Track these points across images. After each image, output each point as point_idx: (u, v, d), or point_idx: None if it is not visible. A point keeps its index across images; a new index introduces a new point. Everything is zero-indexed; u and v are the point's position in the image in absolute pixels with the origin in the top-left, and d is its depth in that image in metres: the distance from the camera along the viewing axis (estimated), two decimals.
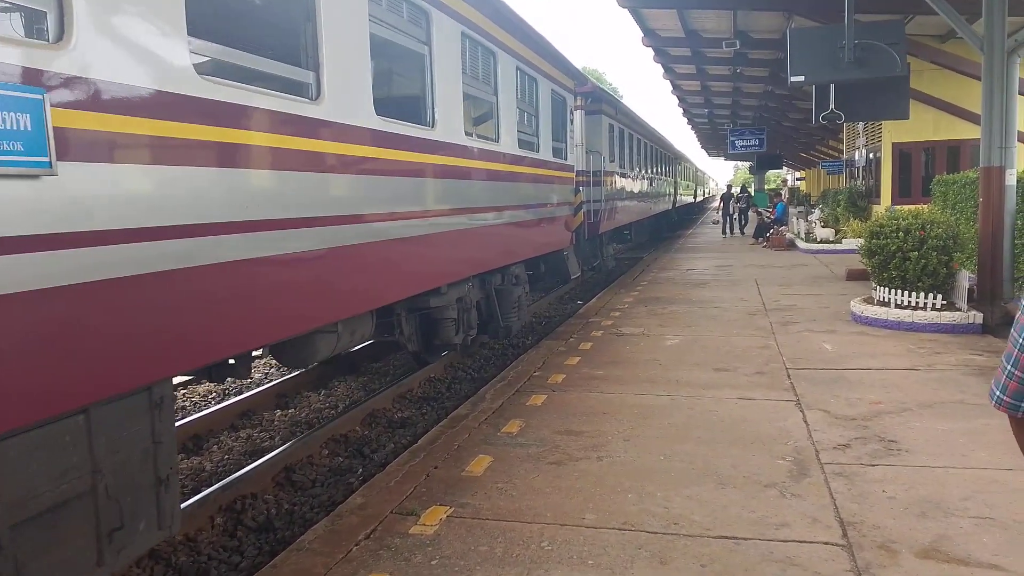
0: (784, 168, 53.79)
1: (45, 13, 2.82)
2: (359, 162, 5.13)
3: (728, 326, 9.44)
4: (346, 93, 4.91)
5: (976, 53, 9.15)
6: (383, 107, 5.46)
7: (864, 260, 9.91)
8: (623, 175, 17.16)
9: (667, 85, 24.66)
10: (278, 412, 7.11)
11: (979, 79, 9.06)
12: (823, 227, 20.81)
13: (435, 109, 6.37)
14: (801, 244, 20.30)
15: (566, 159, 11.27)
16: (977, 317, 8.47)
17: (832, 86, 10.94)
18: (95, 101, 2.98)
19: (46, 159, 2.68)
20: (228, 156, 3.80)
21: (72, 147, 2.84)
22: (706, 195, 68.45)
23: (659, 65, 20.56)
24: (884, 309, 9.10)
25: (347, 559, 3.71)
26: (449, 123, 6.66)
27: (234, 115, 3.84)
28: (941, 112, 16.30)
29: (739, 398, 6.26)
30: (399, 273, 5.82)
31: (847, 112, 11.44)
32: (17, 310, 2.61)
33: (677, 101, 29.34)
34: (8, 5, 2.89)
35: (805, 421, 5.58)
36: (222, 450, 6.12)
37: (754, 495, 4.29)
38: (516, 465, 4.86)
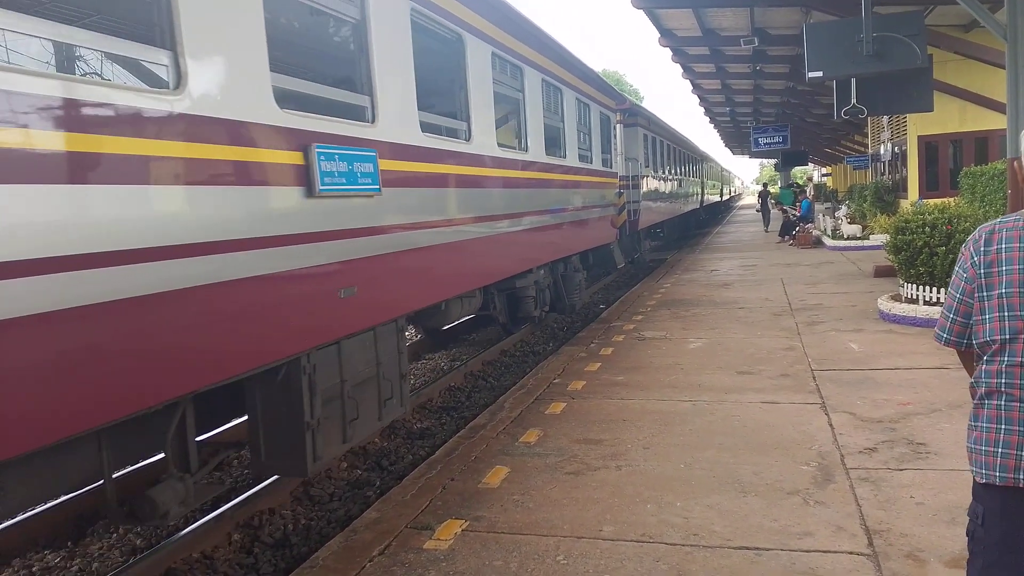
0: (809, 164, 53.19)
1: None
2: (483, 180, 7.08)
3: (752, 327, 9.29)
4: (484, 135, 7.07)
5: (1000, 41, 8.93)
6: (514, 144, 8.25)
7: (890, 256, 9.71)
8: (657, 178, 19.08)
9: (687, 85, 24.49)
10: None
11: (1004, 68, 8.84)
12: (850, 223, 20.49)
13: (528, 137, 8.52)
14: (828, 241, 20.01)
15: (612, 167, 13.23)
16: None
17: (853, 80, 10.77)
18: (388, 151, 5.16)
19: (378, 187, 4.88)
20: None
21: (387, 181, 5.03)
22: (732, 194, 68.51)
23: (678, 65, 20.40)
24: (912, 307, 8.90)
25: (360, 575, 3.67)
26: (536, 146, 8.70)
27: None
28: (967, 103, 15.99)
29: (762, 402, 6.14)
30: (497, 261, 7.67)
31: (869, 106, 11.26)
32: (362, 266, 4.73)
33: (698, 100, 29.12)
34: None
35: (830, 424, 5.45)
36: (242, 464, 6.11)
37: (776, 503, 4.18)
38: (533, 476, 4.79)
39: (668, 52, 18.47)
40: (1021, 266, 2.10)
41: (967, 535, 2.23)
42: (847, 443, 5.03)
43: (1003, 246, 2.17)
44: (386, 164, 5.04)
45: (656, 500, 4.31)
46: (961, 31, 14.69)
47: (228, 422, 5.54)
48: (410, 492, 4.66)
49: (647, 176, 17.16)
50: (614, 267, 14.18)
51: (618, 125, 14.48)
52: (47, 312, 2.68)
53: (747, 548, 3.69)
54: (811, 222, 23.07)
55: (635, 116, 16.15)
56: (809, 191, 31.11)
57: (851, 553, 3.58)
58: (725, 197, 55.50)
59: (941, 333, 2.32)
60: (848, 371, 6.91)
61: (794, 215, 23.77)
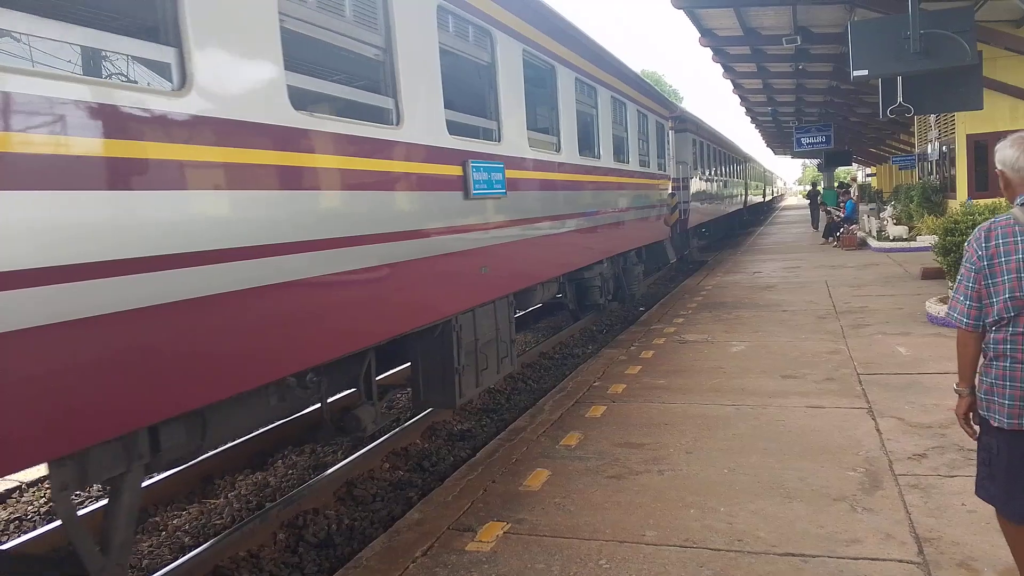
0: (853, 164, 52.26)
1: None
2: (567, 184, 8.24)
3: (796, 330, 9.16)
4: (569, 146, 8.27)
5: None
6: (589, 152, 9.22)
7: (938, 258, 9.49)
8: (704, 180, 20.13)
9: (728, 85, 24.22)
10: None
11: None
12: (895, 224, 20.08)
13: (600, 146, 9.63)
14: (873, 243, 19.63)
15: (665, 171, 14.46)
16: None
17: (899, 79, 10.56)
18: (509, 163, 6.51)
19: (504, 191, 6.22)
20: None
21: (509, 186, 6.37)
22: (774, 195, 67.77)
23: (719, 65, 20.20)
24: None
25: None
26: (606, 154, 9.81)
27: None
28: (1018, 100, 15.55)
29: (807, 406, 6.05)
30: (574, 253, 8.71)
31: (916, 105, 11.03)
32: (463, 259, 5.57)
33: (739, 100, 28.79)
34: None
35: (878, 430, 5.35)
36: (286, 465, 6.20)
37: (823, 509, 4.11)
38: (574, 479, 4.79)
39: (708, 52, 18.30)
40: (1017, 256, 2.73)
41: (983, 463, 3.00)
42: (895, 449, 4.93)
43: (1000, 241, 2.80)
44: (509, 173, 6.41)
45: (699, 505, 4.27)
46: (1012, 27, 14.30)
47: (388, 370, 7.08)
48: (452, 494, 4.69)
49: (695, 178, 18.19)
50: (666, 262, 15.27)
51: (670, 131, 15.47)
52: (310, 279, 3.91)
53: (793, 555, 3.64)
54: (855, 223, 22.65)
55: (685, 123, 17.29)
56: (853, 192, 30.52)
57: (901, 561, 3.51)
58: (768, 198, 55.68)
59: (961, 318, 2.90)
60: (895, 375, 6.77)
61: (838, 216, 23.37)
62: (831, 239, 22.17)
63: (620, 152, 10.83)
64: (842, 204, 24.19)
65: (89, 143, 2.77)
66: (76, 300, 2.65)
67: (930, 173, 22.47)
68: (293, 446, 6.60)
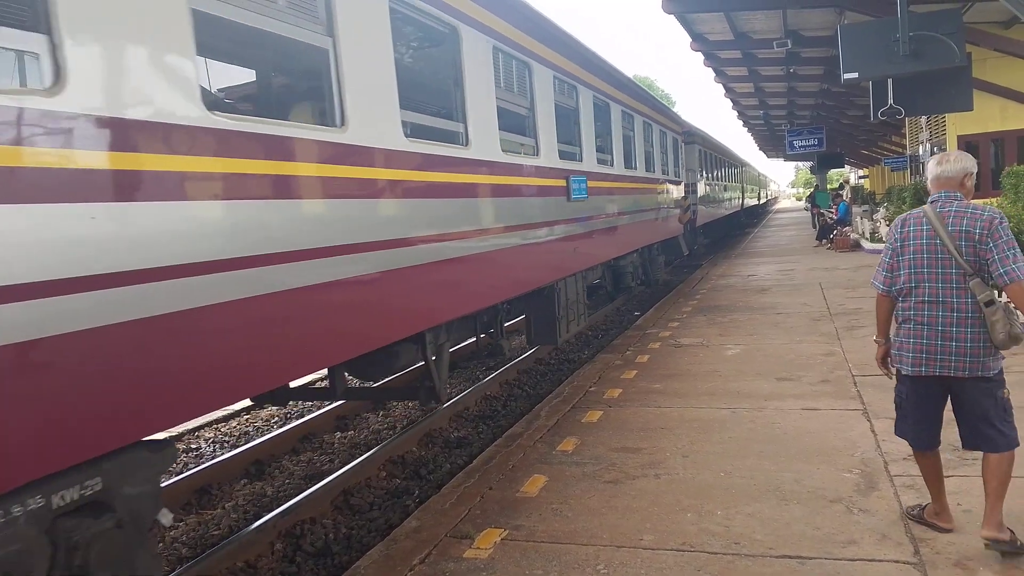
0: (846, 166, 52.42)
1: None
2: (615, 189, 10.44)
3: (791, 333, 9.19)
4: (618, 159, 10.79)
5: None
6: (626, 164, 11.34)
7: None
8: (708, 185, 22.77)
9: (719, 88, 24.29)
10: (338, 435, 7.18)
11: None
12: (888, 226, 20.14)
13: (636, 159, 11.96)
14: (866, 244, 19.70)
15: (679, 177, 16.95)
16: None
17: (890, 81, 10.61)
18: (589, 176, 9.03)
19: (587, 196, 8.66)
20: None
21: (590, 192, 8.91)
22: (768, 197, 68.47)
23: (710, 69, 20.25)
24: None
25: None
26: (640, 165, 12.28)
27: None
28: (1008, 101, 15.63)
29: (803, 409, 6.07)
30: (615, 244, 10.70)
31: (907, 106, 11.08)
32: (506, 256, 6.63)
33: (731, 104, 28.87)
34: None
35: (873, 431, 5.37)
36: (283, 474, 6.20)
37: (819, 511, 4.13)
38: (571, 485, 4.79)
39: (700, 56, 18.36)
40: (921, 241, 3.58)
41: (897, 406, 3.86)
42: (890, 450, 4.94)
43: (911, 228, 3.65)
44: (592, 183, 8.91)
45: (696, 509, 4.28)
46: (1001, 28, 14.38)
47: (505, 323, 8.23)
48: (449, 501, 4.69)
49: (701, 183, 20.71)
50: (680, 254, 18.06)
51: (682, 143, 17.97)
52: (486, 252, 6.00)
53: (790, 557, 3.65)
54: (848, 225, 22.73)
55: (693, 136, 19.76)
56: (846, 194, 30.61)
57: (897, 562, 3.53)
58: (762, 201, 57.39)
59: (878, 285, 3.77)
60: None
61: (831, 218, 23.43)
62: (824, 241, 22.23)
63: (649, 163, 13.30)
64: (835, 206, 24.26)
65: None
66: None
67: (922, 174, 22.54)
68: (289, 455, 6.59)
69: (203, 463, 6.18)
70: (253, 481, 6.04)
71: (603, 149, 10.14)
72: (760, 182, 55.82)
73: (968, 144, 17.14)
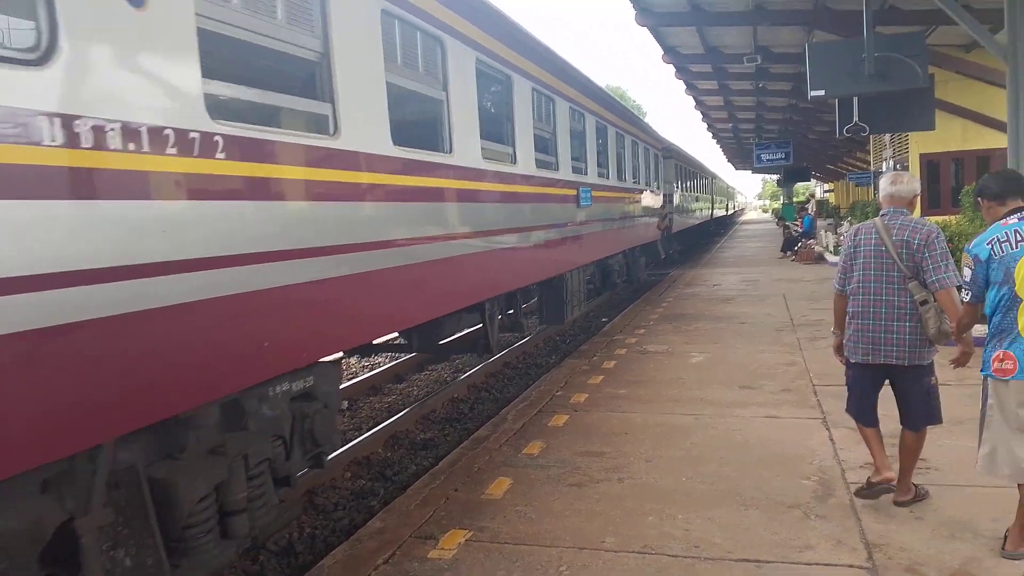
0: (812, 180, 53.30)
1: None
2: (608, 199, 12.08)
3: (754, 342, 9.34)
4: (615, 173, 12.90)
5: (1001, 62, 9.02)
6: (619, 176, 13.30)
7: None
8: (683, 196, 24.61)
9: (690, 100, 24.60)
10: None
11: (1005, 87, 8.92)
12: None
13: (625, 172, 13.88)
14: (830, 257, 20.06)
15: (659, 189, 18.75)
16: None
17: (855, 99, 10.85)
18: (592, 187, 11.14)
19: (591, 203, 10.70)
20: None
21: (593, 200, 10.98)
22: (736, 209, 69.88)
23: (681, 81, 20.52)
24: None
25: None
26: (631, 177, 14.53)
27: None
28: (968, 121, 16.06)
29: (764, 416, 6.19)
30: (604, 246, 12.13)
31: (871, 124, 11.33)
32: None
33: (701, 116, 29.25)
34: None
35: (831, 439, 5.50)
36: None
37: (777, 517, 4.22)
38: (536, 487, 4.84)
39: (671, 68, 18.59)
40: (870, 248, 4.19)
41: (848, 389, 4.50)
42: (848, 458, 5.07)
43: (862, 237, 4.25)
44: (594, 193, 10.70)
45: (658, 512, 4.35)
46: (962, 51, 14.78)
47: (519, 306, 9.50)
48: (414, 502, 4.71)
49: (676, 194, 22.53)
50: (657, 257, 19.85)
51: (661, 158, 19.81)
52: (516, 247, 7.65)
53: (748, 560, 3.73)
54: (813, 238, 23.12)
55: (670, 152, 21.65)
56: (811, 207, 31.13)
57: (851, 566, 3.62)
58: (730, 212, 59.62)
59: (835, 285, 4.43)
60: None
61: (796, 231, 23.83)
62: (789, 253, 22.59)
63: (636, 175, 15.25)
64: (800, 219, 24.67)
65: None
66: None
67: None
68: None
69: None
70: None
71: (601, 164, 11.81)
72: (728, 193, 58.19)
73: (930, 162, 17.58)
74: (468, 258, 6.21)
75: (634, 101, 67.98)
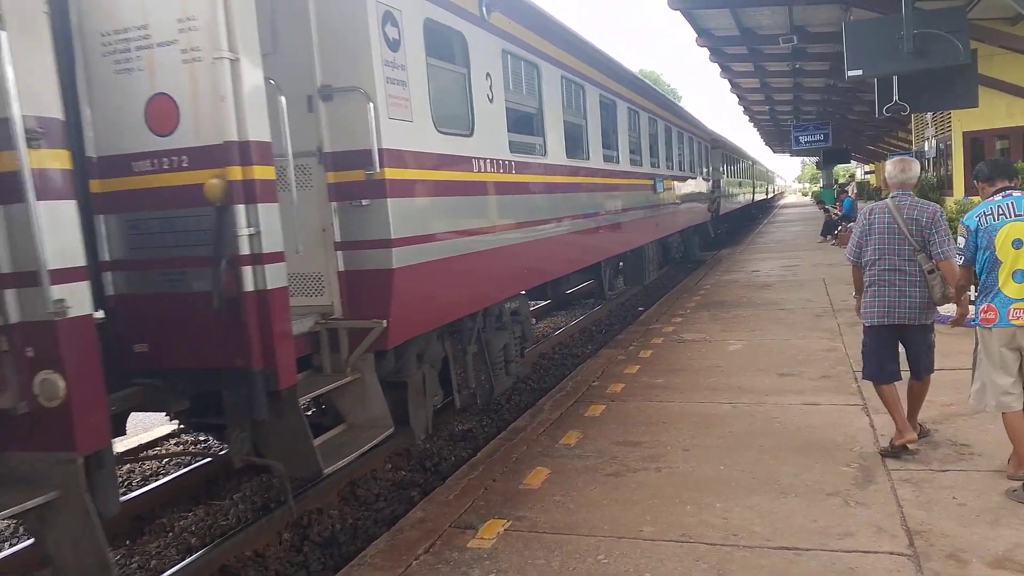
0: (852, 162, 52.34)
1: None
2: (673, 185, 15.53)
3: (793, 329, 9.25)
4: (675, 165, 16.28)
5: None
6: (682, 167, 17.26)
7: None
8: (728, 182, 27.50)
9: (725, 83, 24.30)
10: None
11: None
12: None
13: (684, 164, 16.88)
14: None
15: (708, 176, 21.58)
16: None
17: (895, 77, 10.63)
18: (663, 178, 15.37)
19: (662, 189, 14.50)
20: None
21: (657, 187, 14.41)
22: (775, 192, 69.53)
23: (716, 64, 20.26)
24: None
25: (407, 573, 3.79)
26: (688, 168, 17.62)
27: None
28: (1014, 97, 15.58)
29: (803, 404, 6.14)
30: (673, 223, 15.80)
31: (912, 103, 11.09)
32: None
33: (737, 100, 28.85)
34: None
35: (872, 426, 5.44)
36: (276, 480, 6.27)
37: (817, 504, 4.20)
38: (573, 477, 4.87)
39: (706, 52, 18.37)
40: (883, 225, 4.86)
41: (864, 354, 5.14)
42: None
43: (876, 216, 4.92)
44: (664, 182, 13.94)
45: (696, 501, 4.36)
46: (1007, 24, 14.35)
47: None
48: (453, 492, 4.77)
49: (722, 180, 25.19)
50: (708, 235, 22.70)
51: (709, 149, 22.19)
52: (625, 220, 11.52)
53: (787, 548, 3.72)
54: (853, 221, 22.71)
55: (717, 143, 24.07)
56: (852, 190, 30.56)
57: (891, 553, 3.60)
58: (770, 195, 60.56)
59: (850, 257, 5.12)
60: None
61: (836, 214, 23.43)
62: (829, 237, 22.24)
63: (692, 167, 18.31)
64: (839, 202, 24.24)
65: None
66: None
67: (927, 171, 22.53)
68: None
69: (210, 456, 6.27)
70: (260, 474, 6.12)
71: (668, 158, 15.02)
72: (767, 178, 58.77)
73: (974, 141, 17.13)
74: (591, 231, 9.51)
75: (669, 86, 67.23)
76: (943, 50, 9.30)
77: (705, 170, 20.79)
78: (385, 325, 4.59)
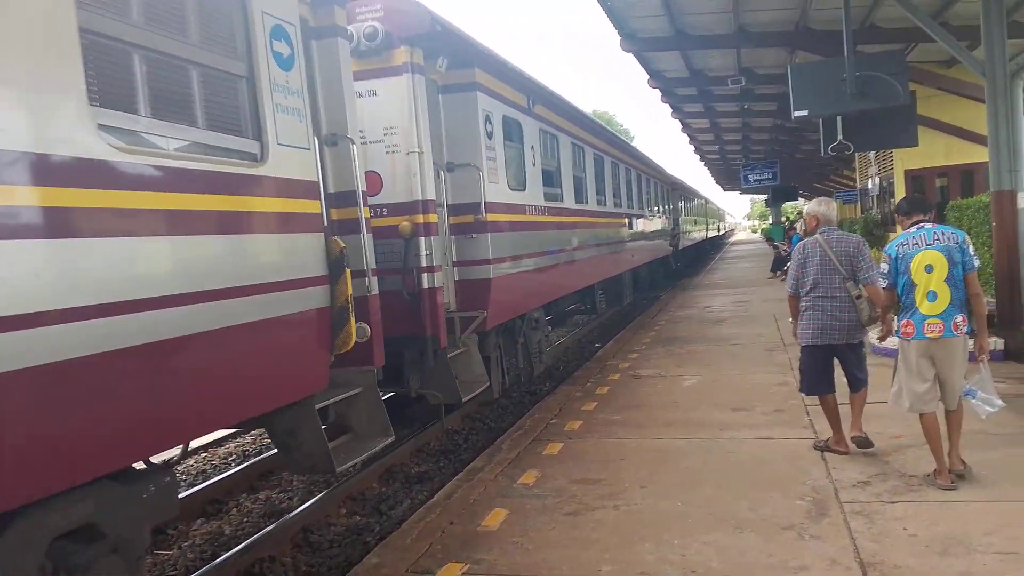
0: (800, 199, 53.66)
1: None
2: (648, 224, 20.13)
3: (746, 363, 9.36)
4: (652, 212, 21.35)
5: (979, 78, 9.16)
6: (652, 208, 21.54)
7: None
8: (685, 220, 30.55)
9: (676, 123, 24.83)
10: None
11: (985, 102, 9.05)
12: None
13: (652, 205, 20.98)
14: None
15: (670, 215, 25.03)
16: (999, 343, 8.33)
17: (839, 118, 10.97)
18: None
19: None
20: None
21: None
22: (726, 230, 71.70)
23: (667, 105, 20.71)
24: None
25: None
26: (656, 208, 21.50)
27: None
28: (952, 137, 16.21)
29: (757, 438, 6.20)
30: (638, 258, 17.82)
31: (856, 142, 11.42)
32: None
33: (688, 139, 29.49)
34: None
35: (824, 459, 5.51)
36: (241, 513, 6.12)
37: (772, 538, 4.22)
38: (532, 517, 4.83)
39: (657, 93, 18.78)
40: (817, 257, 5.53)
41: (801, 371, 5.85)
42: (840, 477, 5.08)
43: (809, 250, 5.60)
44: (636, 220, 17.74)
45: (654, 538, 4.34)
46: (943, 67, 14.97)
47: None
48: (410, 537, 4.69)
49: (681, 218, 28.59)
50: (670, 268, 26.13)
51: (670, 191, 25.46)
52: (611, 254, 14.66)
53: None
54: None
55: (675, 185, 27.34)
56: (800, 226, 31.28)
57: None
58: (721, 232, 64.83)
59: (789, 289, 5.77)
60: (841, 405, 6.94)
61: (785, 251, 23.92)
62: (779, 273, 22.68)
63: (658, 207, 21.76)
64: (788, 239, 24.78)
65: None
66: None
67: (871, 207, 23.18)
68: (247, 493, 6.52)
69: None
70: (209, 520, 5.96)
71: (640, 200, 18.05)
72: (719, 216, 63.30)
73: (915, 178, 17.71)
74: (590, 259, 12.04)
75: (622, 126, 68.49)
76: (884, 91, 9.64)
77: (667, 208, 24.42)
78: (485, 315, 7.31)
